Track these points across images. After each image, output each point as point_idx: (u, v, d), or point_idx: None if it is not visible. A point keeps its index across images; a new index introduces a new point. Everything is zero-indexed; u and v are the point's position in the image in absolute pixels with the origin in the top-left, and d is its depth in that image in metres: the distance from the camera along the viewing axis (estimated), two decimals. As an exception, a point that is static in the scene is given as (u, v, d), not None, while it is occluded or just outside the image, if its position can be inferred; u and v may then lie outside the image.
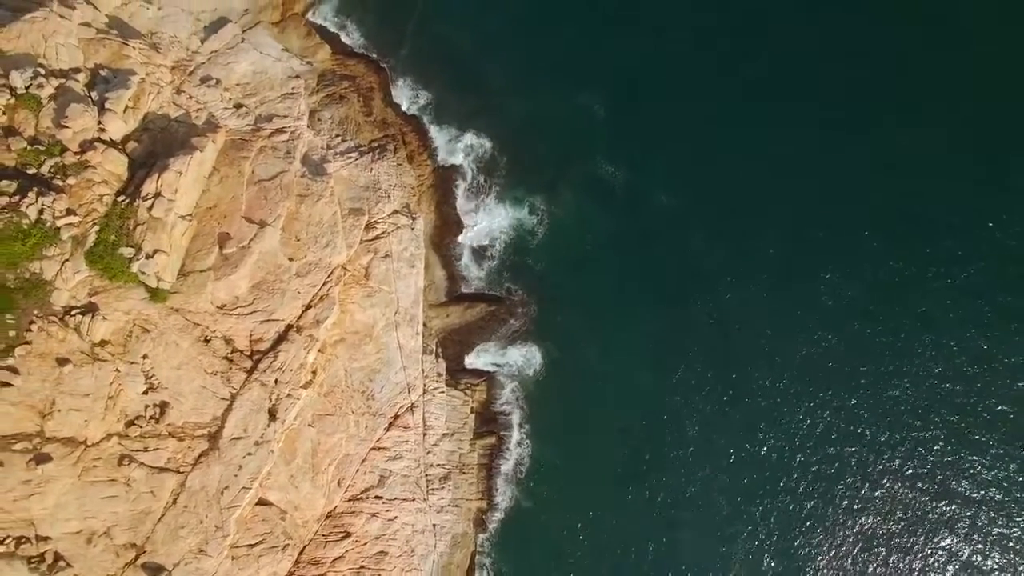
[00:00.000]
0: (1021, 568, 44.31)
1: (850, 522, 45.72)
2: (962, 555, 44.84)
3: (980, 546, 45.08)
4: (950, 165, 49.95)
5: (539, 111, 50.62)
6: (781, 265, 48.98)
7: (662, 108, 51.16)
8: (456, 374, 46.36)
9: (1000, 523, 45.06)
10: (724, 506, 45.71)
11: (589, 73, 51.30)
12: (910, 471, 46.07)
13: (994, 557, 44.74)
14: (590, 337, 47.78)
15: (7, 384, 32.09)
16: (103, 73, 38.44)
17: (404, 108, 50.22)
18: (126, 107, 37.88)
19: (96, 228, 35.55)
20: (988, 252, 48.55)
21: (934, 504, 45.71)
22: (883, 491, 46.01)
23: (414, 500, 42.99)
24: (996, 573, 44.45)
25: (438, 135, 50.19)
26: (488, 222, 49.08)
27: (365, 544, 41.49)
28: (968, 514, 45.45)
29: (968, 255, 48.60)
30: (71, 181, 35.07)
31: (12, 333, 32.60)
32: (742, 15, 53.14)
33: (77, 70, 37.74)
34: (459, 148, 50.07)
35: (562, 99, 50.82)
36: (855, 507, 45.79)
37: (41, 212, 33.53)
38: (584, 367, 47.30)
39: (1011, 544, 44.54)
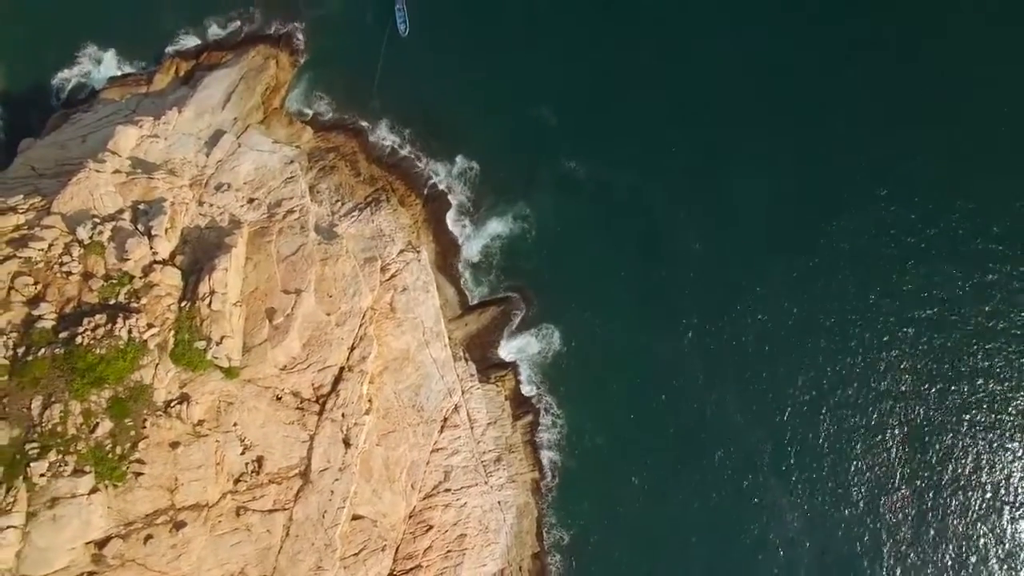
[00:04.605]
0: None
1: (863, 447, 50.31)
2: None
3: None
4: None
5: (502, 131, 54.80)
6: (731, 212, 53.09)
7: (602, 107, 55.36)
8: (485, 371, 50.07)
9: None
10: (739, 432, 50.23)
11: (534, 90, 55.53)
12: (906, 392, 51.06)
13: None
14: (591, 311, 51.83)
15: (140, 473, 36.09)
16: (141, 207, 41.66)
17: (385, 160, 52.99)
18: (166, 229, 40.81)
19: (173, 332, 38.59)
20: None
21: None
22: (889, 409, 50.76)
23: (477, 485, 46.71)
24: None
25: (420, 174, 53.19)
26: (480, 237, 52.45)
27: (446, 532, 45.19)
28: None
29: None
30: (144, 301, 38.16)
31: (133, 432, 36.46)
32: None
33: (121, 211, 40.83)
34: (441, 180, 53.35)
35: (518, 117, 54.98)
36: (867, 432, 50.46)
37: (130, 332, 36.72)
38: (591, 337, 51.19)
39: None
